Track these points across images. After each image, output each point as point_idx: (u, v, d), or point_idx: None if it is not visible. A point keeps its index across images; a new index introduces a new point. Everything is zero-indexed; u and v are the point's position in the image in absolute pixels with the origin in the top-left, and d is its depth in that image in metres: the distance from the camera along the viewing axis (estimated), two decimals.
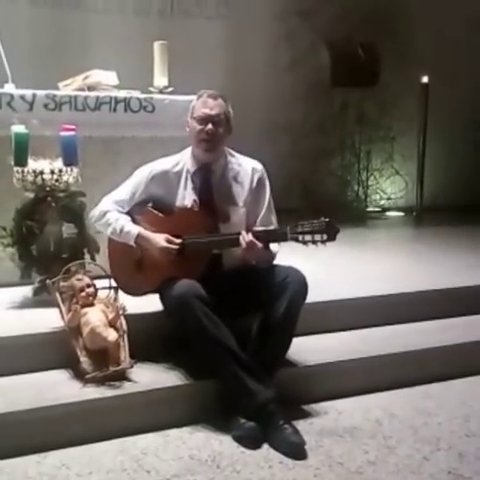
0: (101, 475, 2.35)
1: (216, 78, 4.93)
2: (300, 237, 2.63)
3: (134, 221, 2.91)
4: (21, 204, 3.19)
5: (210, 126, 2.84)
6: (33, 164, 3.16)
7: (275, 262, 2.87)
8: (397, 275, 4.10)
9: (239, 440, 2.58)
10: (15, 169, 3.14)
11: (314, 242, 2.63)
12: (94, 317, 2.77)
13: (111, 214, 2.91)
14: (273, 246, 2.80)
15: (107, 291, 2.99)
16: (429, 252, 4.97)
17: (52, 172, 3.13)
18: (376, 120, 6.67)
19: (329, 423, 2.79)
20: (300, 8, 6.43)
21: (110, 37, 5.72)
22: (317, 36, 6.46)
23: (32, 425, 2.49)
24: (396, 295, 3.64)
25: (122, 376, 2.72)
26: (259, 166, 3.00)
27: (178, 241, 2.77)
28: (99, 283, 2.94)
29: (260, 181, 2.97)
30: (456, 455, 2.57)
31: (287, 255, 2.87)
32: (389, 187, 7.13)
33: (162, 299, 2.86)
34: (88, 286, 2.87)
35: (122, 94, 3.74)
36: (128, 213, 2.94)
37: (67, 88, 3.77)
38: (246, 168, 2.98)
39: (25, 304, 3.24)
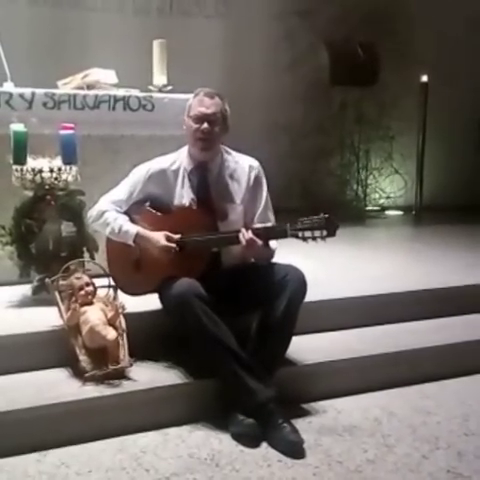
0: (100, 474, 2.35)
1: (215, 77, 4.93)
2: (300, 233, 2.62)
3: (132, 220, 2.90)
4: (20, 202, 3.19)
5: (206, 125, 2.83)
6: (32, 162, 3.15)
7: (274, 260, 2.86)
8: (396, 274, 4.10)
9: (238, 438, 2.58)
10: (14, 167, 3.13)
11: (314, 238, 2.61)
12: (93, 316, 2.76)
13: (109, 214, 2.90)
14: (272, 243, 2.79)
15: (106, 290, 2.99)
16: (428, 251, 4.97)
17: (51, 170, 3.13)
18: (375, 120, 6.68)
19: (328, 422, 2.78)
20: (299, 8, 6.44)
21: (109, 36, 5.71)
22: (316, 36, 6.45)
23: (31, 424, 2.48)
24: (396, 294, 3.63)
25: (121, 375, 2.72)
26: (256, 163, 3.00)
27: (177, 237, 2.76)
28: (98, 282, 2.94)
29: (257, 178, 2.96)
30: (455, 454, 2.57)
31: (286, 253, 2.87)
32: (388, 186, 7.14)
33: (161, 298, 2.85)
34: (87, 285, 2.86)
35: (121, 93, 3.74)
36: (126, 213, 2.93)
37: (66, 87, 3.77)
38: (243, 165, 2.97)
39: (24, 303, 3.23)
